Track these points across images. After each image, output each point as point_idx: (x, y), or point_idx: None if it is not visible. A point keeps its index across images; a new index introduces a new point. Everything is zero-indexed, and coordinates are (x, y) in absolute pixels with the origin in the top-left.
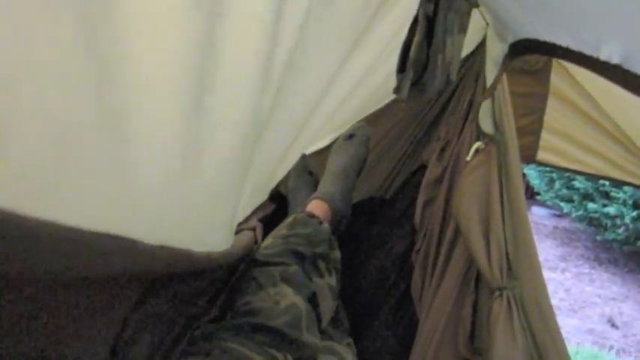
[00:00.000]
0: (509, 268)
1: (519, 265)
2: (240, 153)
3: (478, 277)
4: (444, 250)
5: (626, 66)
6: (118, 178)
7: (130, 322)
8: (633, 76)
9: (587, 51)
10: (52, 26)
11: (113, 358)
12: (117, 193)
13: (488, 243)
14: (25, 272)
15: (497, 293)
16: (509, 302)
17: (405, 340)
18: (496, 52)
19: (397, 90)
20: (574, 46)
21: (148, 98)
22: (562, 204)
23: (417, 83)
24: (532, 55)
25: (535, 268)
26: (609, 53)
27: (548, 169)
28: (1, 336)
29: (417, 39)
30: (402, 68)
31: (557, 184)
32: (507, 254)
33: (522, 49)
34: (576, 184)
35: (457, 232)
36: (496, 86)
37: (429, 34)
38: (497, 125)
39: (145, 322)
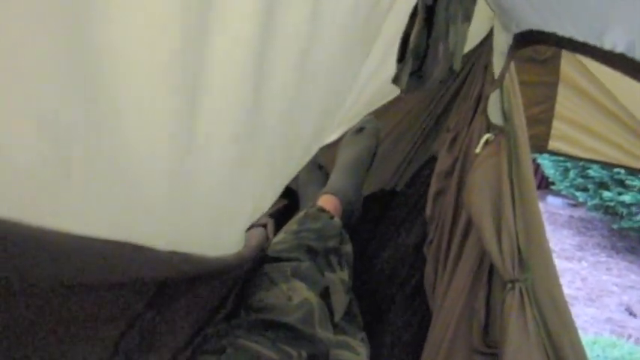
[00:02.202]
0: (521, 260)
1: (531, 257)
2: (238, 153)
3: (491, 270)
4: (456, 242)
5: (630, 54)
6: (120, 181)
7: (138, 327)
8: (637, 64)
9: (591, 41)
10: (39, 28)
11: (117, 355)
12: (119, 197)
13: (499, 235)
14: (29, 280)
15: (509, 286)
16: (521, 294)
17: (419, 334)
18: (501, 42)
19: (396, 79)
20: (578, 36)
21: (142, 98)
22: (577, 193)
23: (417, 73)
24: (536, 45)
25: (547, 260)
26: (613, 42)
27: (562, 158)
28: (4, 342)
29: (416, 28)
30: (401, 58)
31: (571, 174)
32: (519, 246)
33: (527, 39)
34: (591, 172)
35: (469, 224)
36: (503, 77)
37: (429, 23)
38: (506, 116)
39: (153, 323)
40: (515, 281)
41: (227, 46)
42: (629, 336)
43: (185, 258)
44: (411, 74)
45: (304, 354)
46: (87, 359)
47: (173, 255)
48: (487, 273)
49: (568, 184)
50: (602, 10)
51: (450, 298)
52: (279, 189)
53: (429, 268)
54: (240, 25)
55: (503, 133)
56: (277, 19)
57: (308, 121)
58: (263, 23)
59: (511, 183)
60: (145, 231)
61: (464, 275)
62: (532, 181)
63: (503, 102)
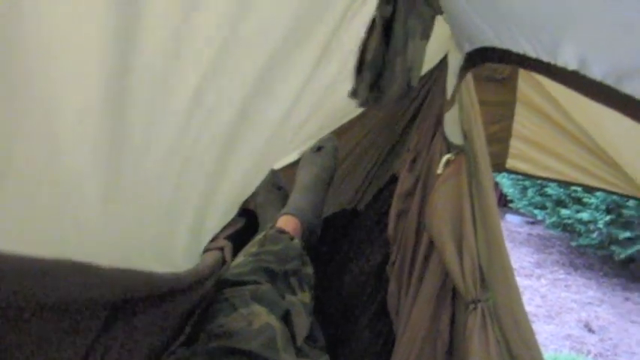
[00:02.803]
0: (483, 280)
1: (493, 277)
2: (169, 169)
3: (455, 290)
4: (419, 263)
5: (583, 72)
6: (55, 192)
7: (96, 349)
8: (590, 82)
9: (545, 57)
10: None
11: None
12: (56, 211)
13: (461, 255)
14: None
15: (471, 306)
16: (483, 315)
17: (383, 355)
18: (454, 63)
19: (353, 93)
20: (531, 52)
21: (70, 99)
22: (535, 211)
23: (374, 87)
24: (487, 63)
25: (509, 279)
26: (566, 59)
27: (520, 177)
28: None
29: (374, 41)
30: (358, 70)
31: (530, 192)
32: (480, 266)
33: (477, 58)
34: (549, 190)
35: (431, 244)
36: (454, 98)
37: (387, 37)
38: (466, 136)
39: (111, 349)
40: (477, 301)
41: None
42: (588, 352)
43: (132, 274)
44: (369, 88)
45: None
46: None
47: (121, 272)
48: (451, 294)
49: (526, 202)
50: (554, 24)
51: (413, 320)
52: (229, 199)
53: (392, 289)
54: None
55: (464, 152)
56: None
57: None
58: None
59: (472, 202)
60: (84, 249)
61: (427, 296)
62: (493, 200)
63: (463, 121)
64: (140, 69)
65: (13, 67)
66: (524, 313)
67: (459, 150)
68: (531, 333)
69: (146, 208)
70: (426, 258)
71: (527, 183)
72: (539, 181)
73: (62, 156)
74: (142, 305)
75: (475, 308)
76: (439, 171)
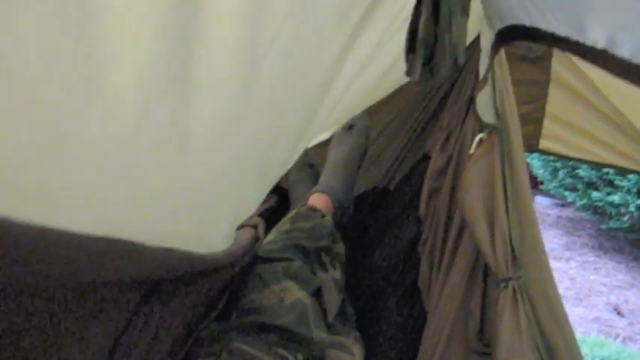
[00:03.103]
0: (515, 259)
1: (525, 255)
2: (226, 146)
3: (487, 269)
4: (450, 241)
5: (612, 50)
6: (108, 173)
7: (131, 326)
8: (619, 60)
9: (574, 36)
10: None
11: (113, 356)
12: (107, 189)
13: (493, 234)
14: (21, 279)
15: (502, 284)
16: (514, 293)
17: (414, 334)
18: (486, 41)
19: (409, 72)
20: (560, 31)
21: (125, 76)
22: (566, 193)
23: (428, 64)
24: (518, 41)
25: (541, 258)
26: (595, 37)
27: (551, 158)
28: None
29: (424, 17)
30: (411, 49)
31: (560, 174)
32: (512, 245)
33: (508, 36)
34: (580, 172)
35: (463, 223)
36: (487, 77)
37: (435, 12)
38: (499, 115)
39: (146, 326)
40: (509, 280)
41: (217, 31)
42: (617, 335)
43: (174, 254)
44: (423, 65)
45: (300, 357)
46: (80, 356)
47: (163, 251)
48: (482, 272)
49: (557, 183)
50: (583, 2)
51: (445, 298)
52: (267, 185)
53: (423, 267)
54: (230, 6)
55: (496, 131)
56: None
57: (297, 110)
58: (254, 4)
59: (504, 181)
60: (134, 226)
61: (459, 274)
62: (526, 179)
63: (496, 100)
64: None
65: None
66: (555, 292)
67: (491, 129)
68: (563, 312)
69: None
70: (458, 236)
71: (558, 164)
72: (570, 163)
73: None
74: (180, 282)
75: (506, 286)
76: (471, 150)
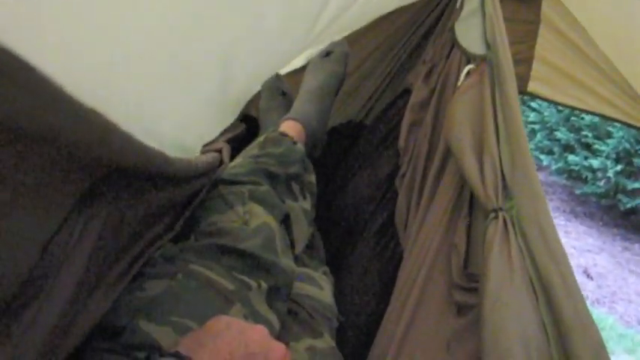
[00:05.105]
0: (505, 188)
1: (516, 184)
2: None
3: (472, 202)
4: (432, 174)
5: None
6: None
7: (66, 227)
8: None
9: None
10: None
11: (44, 259)
12: None
13: (482, 164)
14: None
15: (492, 215)
16: (505, 224)
17: (388, 272)
18: None
19: None
20: None
21: None
22: (542, 156)
23: None
24: None
25: (534, 188)
26: None
27: (530, 119)
28: None
29: None
30: None
31: (538, 136)
32: (503, 174)
33: None
34: (558, 134)
35: (446, 155)
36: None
37: None
38: (489, 44)
39: (85, 231)
40: (499, 210)
41: None
42: (586, 297)
43: (135, 143)
44: None
45: (264, 285)
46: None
47: (127, 137)
48: (467, 204)
49: (533, 146)
50: None
51: (425, 232)
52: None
53: (401, 202)
54: None
55: (486, 61)
56: None
57: None
58: None
59: (494, 110)
60: None
61: (441, 208)
62: (517, 108)
63: (486, 31)
64: None
65: None
66: (550, 224)
67: (480, 60)
68: (559, 245)
69: None
70: (440, 169)
71: (536, 127)
72: (548, 124)
73: None
74: (131, 187)
75: (496, 217)
76: (459, 83)
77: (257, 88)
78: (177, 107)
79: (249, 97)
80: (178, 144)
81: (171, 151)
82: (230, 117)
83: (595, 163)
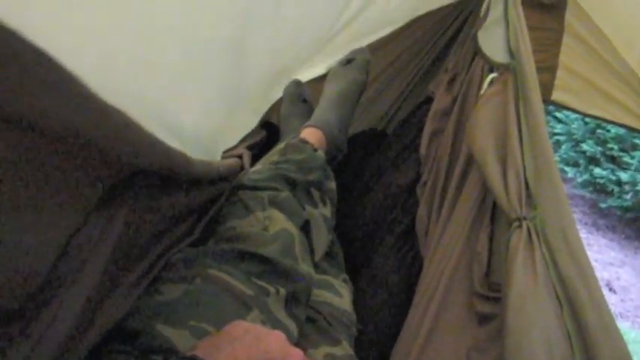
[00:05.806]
0: (529, 197)
1: (541, 193)
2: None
3: (494, 211)
4: (453, 183)
5: None
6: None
7: (91, 222)
8: None
9: None
10: None
11: (65, 258)
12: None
13: (505, 172)
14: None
15: (515, 224)
16: (529, 233)
17: (408, 279)
18: None
19: None
20: None
21: None
22: (567, 168)
23: None
24: None
25: (559, 197)
26: None
27: (556, 131)
28: None
29: None
30: None
31: (563, 147)
32: (527, 182)
33: None
34: (584, 146)
35: (469, 164)
36: (487, 14)
37: None
38: (512, 53)
39: (108, 230)
40: (522, 219)
41: None
42: None
43: (159, 145)
44: None
45: (283, 291)
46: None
47: (151, 138)
48: (490, 213)
49: (558, 157)
50: None
51: (446, 242)
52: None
53: (422, 211)
54: None
55: (509, 70)
56: None
57: None
58: None
59: (518, 119)
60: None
61: (462, 217)
62: (542, 116)
63: (510, 39)
64: None
65: None
66: (576, 234)
67: (504, 68)
68: (583, 253)
69: None
70: (462, 178)
71: (562, 138)
72: (574, 136)
73: None
74: (154, 188)
75: (520, 226)
76: (482, 92)
77: (278, 89)
78: (194, 100)
79: (267, 88)
80: (196, 137)
81: (190, 146)
82: (247, 109)
83: (624, 176)
